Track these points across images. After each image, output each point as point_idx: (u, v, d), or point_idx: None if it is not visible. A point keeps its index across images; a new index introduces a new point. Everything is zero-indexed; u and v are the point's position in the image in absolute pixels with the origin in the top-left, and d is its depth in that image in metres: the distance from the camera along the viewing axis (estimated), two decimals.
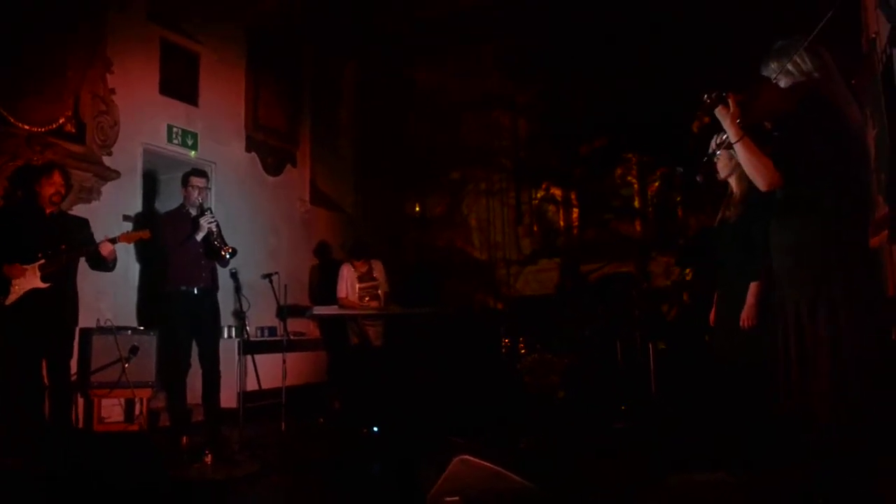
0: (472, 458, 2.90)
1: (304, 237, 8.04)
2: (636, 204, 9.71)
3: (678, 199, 9.45)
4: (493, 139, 10.10)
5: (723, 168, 4.12)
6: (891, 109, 4.55)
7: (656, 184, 9.59)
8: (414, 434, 4.89)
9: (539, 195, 10.09)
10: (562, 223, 10.00)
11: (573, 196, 9.99)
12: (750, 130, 2.88)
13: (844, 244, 2.80)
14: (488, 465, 2.90)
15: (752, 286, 3.85)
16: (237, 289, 5.18)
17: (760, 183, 2.89)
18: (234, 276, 5.19)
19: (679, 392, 5.38)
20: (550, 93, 9.75)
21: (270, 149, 7.59)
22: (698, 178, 4.16)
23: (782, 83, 2.94)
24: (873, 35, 4.91)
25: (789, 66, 2.90)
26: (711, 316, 4.35)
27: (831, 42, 3.02)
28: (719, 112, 2.88)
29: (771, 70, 2.97)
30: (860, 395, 2.77)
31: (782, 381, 2.97)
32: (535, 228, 10.10)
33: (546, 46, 9.23)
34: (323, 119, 8.55)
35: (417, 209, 10.02)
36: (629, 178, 9.78)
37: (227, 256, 5.06)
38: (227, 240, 5.21)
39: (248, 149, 7.32)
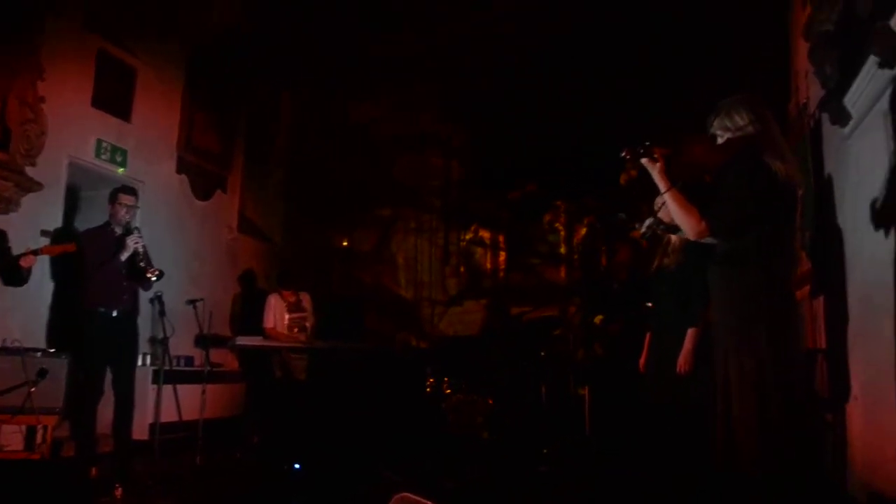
0: (412, 496, 2.82)
1: (230, 265, 7.82)
2: (562, 250, 9.89)
3: (603, 247, 9.69)
4: (425, 179, 10.15)
5: (664, 217, 4.24)
6: (817, 170, 4.79)
7: (583, 231, 9.80)
8: (341, 470, 4.73)
9: (467, 237, 10.16)
10: (489, 265, 10.08)
11: (501, 239, 10.10)
12: (686, 183, 3.00)
13: (771, 295, 2.92)
14: (428, 503, 2.82)
15: (690, 332, 3.94)
16: (161, 313, 4.97)
17: (688, 232, 3.02)
18: (158, 299, 4.98)
19: (605, 436, 5.41)
20: (484, 137, 9.89)
21: (202, 172, 7.39)
22: (621, 216, 4.29)
23: (721, 138, 3.07)
24: (804, 100, 5.17)
25: (726, 122, 3.04)
26: (642, 361, 4.43)
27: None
28: (646, 164, 2.99)
29: (715, 126, 3.10)
30: (781, 438, 2.85)
31: (714, 426, 3.03)
32: (462, 269, 10.14)
33: (482, 92, 9.39)
34: (257, 147, 8.41)
35: (345, 244, 9.91)
36: (557, 224, 9.97)
37: (153, 279, 4.83)
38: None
39: (179, 170, 7.11)
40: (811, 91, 5.07)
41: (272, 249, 8.65)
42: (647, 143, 2.97)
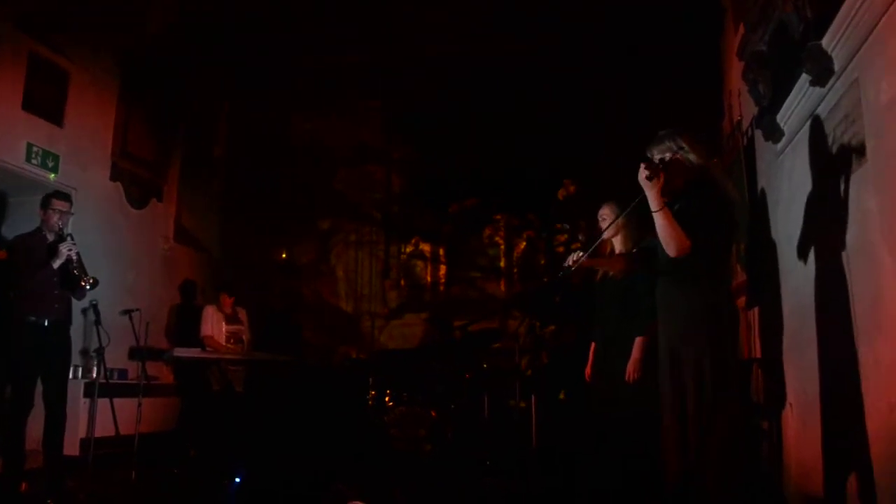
0: None
1: (165, 276, 7.61)
2: (502, 264, 9.97)
3: (542, 261, 9.81)
4: (366, 191, 10.10)
5: (609, 230, 4.33)
6: (751, 185, 4.96)
7: (522, 245, 9.91)
8: (288, 482, 4.64)
9: (408, 250, 10.14)
10: (429, 279, 10.08)
11: (442, 252, 10.12)
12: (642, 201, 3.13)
13: (716, 306, 3.09)
14: None
15: (638, 341, 4.00)
16: (97, 322, 4.79)
17: (672, 250, 3.11)
18: (94, 308, 4.80)
19: (551, 446, 5.43)
20: (425, 150, 9.92)
21: (137, 180, 7.18)
22: (580, 238, 4.34)
23: (667, 158, 3.21)
24: (738, 118, 5.36)
25: (684, 147, 3.20)
26: (587, 371, 4.48)
27: (698, 126, 3.39)
28: (644, 182, 3.10)
29: (661, 150, 3.24)
30: (738, 443, 2.97)
31: (676, 437, 3.11)
32: (403, 283, 10.12)
33: (424, 106, 9.43)
34: (194, 156, 8.23)
35: (284, 256, 9.77)
36: (497, 238, 10.06)
37: (87, 287, 4.66)
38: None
39: (113, 178, 6.88)
40: (744, 109, 5.27)
41: (209, 261, 8.47)
42: (658, 164, 3.13)
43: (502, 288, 9.89)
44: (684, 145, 3.20)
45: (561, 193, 9.81)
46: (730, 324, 3.10)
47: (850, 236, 3.14)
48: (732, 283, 4.93)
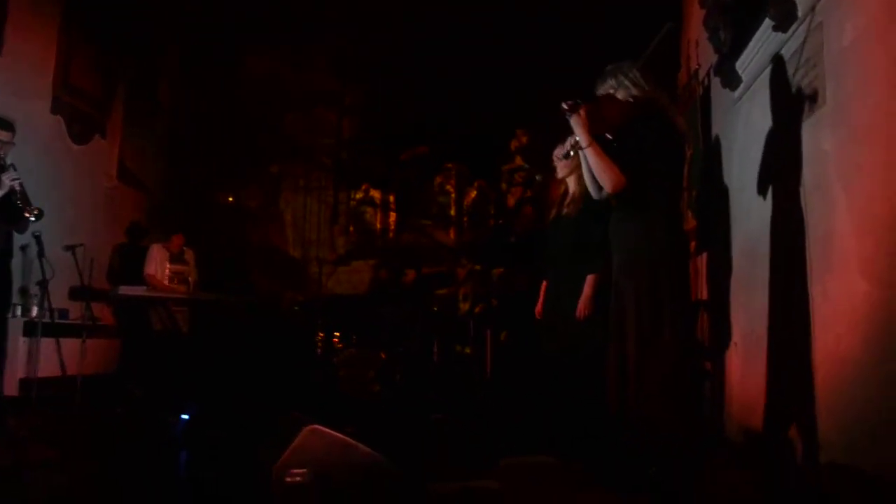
0: (322, 428, 2.77)
1: (108, 215, 7.36)
2: (452, 212, 9.99)
3: (492, 211, 9.85)
4: (316, 136, 9.94)
5: (562, 169, 4.34)
6: (705, 133, 5.03)
7: (473, 194, 9.92)
8: (235, 419, 4.60)
9: (358, 196, 10.07)
10: (378, 226, 10.04)
11: (392, 199, 10.08)
12: (596, 139, 3.13)
13: (672, 238, 3.11)
14: (340, 435, 2.78)
15: (590, 278, 4.04)
16: (40, 253, 4.62)
17: (607, 185, 3.12)
18: (37, 239, 4.64)
19: (502, 386, 5.51)
20: (377, 96, 9.79)
21: (79, 115, 6.87)
22: (537, 178, 4.35)
23: (620, 96, 3.20)
24: (696, 66, 5.40)
25: (625, 82, 3.17)
26: (538, 309, 4.53)
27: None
28: (573, 119, 3.08)
29: (605, 88, 3.23)
30: (683, 382, 3.04)
31: (616, 366, 3.16)
32: (351, 229, 10.06)
33: (376, 50, 9.26)
34: (139, 94, 7.93)
35: (231, 199, 9.58)
36: (447, 186, 10.05)
37: (32, 219, 4.49)
38: None
39: (54, 111, 6.58)
40: (702, 59, 5.32)
41: (153, 202, 8.24)
42: (578, 100, 3.07)
43: (452, 236, 9.92)
44: (628, 78, 3.18)
45: (513, 144, 9.82)
46: (672, 257, 3.05)
47: (806, 177, 3.21)
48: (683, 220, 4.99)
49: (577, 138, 3.12)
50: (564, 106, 3.06)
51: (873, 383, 2.60)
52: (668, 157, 3.13)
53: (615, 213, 3.30)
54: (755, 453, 3.67)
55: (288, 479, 2.68)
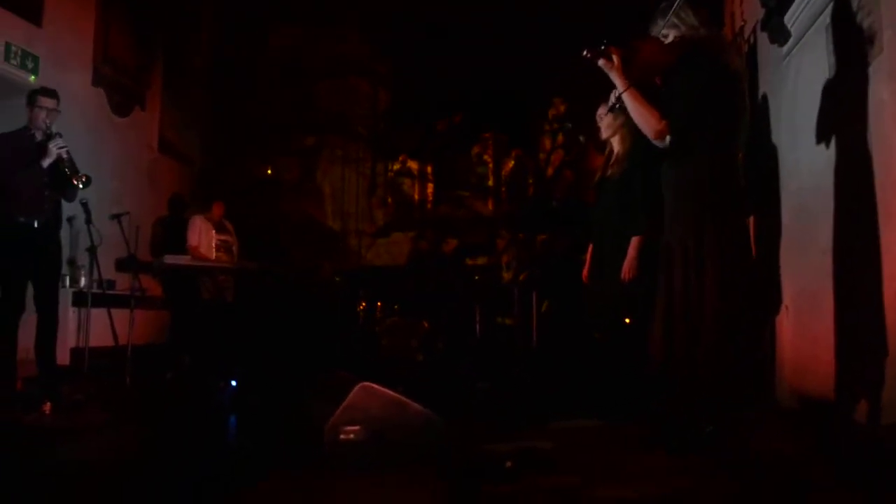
0: (374, 386, 2.78)
1: (150, 186, 7.46)
2: (490, 183, 9.92)
3: (530, 180, 9.76)
4: (351, 106, 9.92)
5: (606, 129, 4.28)
6: (752, 91, 4.90)
7: (511, 164, 9.84)
8: (286, 377, 4.64)
9: (395, 167, 10.05)
10: (416, 197, 10.03)
11: (429, 170, 10.04)
12: (638, 85, 3.00)
13: (725, 184, 2.97)
14: (391, 393, 2.79)
15: (634, 240, 3.99)
16: (87, 220, 4.67)
17: (648, 131, 3.01)
18: (84, 206, 4.69)
19: (551, 351, 5.46)
20: (411, 66, 9.71)
21: (119, 87, 6.96)
22: (581, 139, 4.27)
23: (670, 37, 3.06)
24: (741, 24, 5.26)
25: (674, 20, 3.02)
26: (585, 273, 4.48)
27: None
28: (604, 64, 2.95)
29: (659, 27, 3.08)
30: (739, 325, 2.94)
31: (664, 327, 3.07)
32: (390, 200, 10.06)
33: (409, 19, 9.18)
34: (176, 66, 7.98)
35: (269, 172, 9.62)
36: (485, 157, 9.98)
37: (80, 186, 4.53)
38: None
39: (95, 83, 6.66)
40: (747, 15, 5.17)
41: (193, 173, 8.31)
42: (605, 43, 2.94)
43: (490, 207, 9.87)
44: (677, 16, 2.99)
45: (551, 112, 9.71)
46: (720, 207, 2.90)
47: (865, 127, 3.10)
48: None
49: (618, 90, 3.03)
50: (586, 53, 2.93)
51: None
52: (719, 100, 2.95)
53: (666, 160, 3.16)
54: (811, 417, 3.61)
55: (342, 437, 2.70)
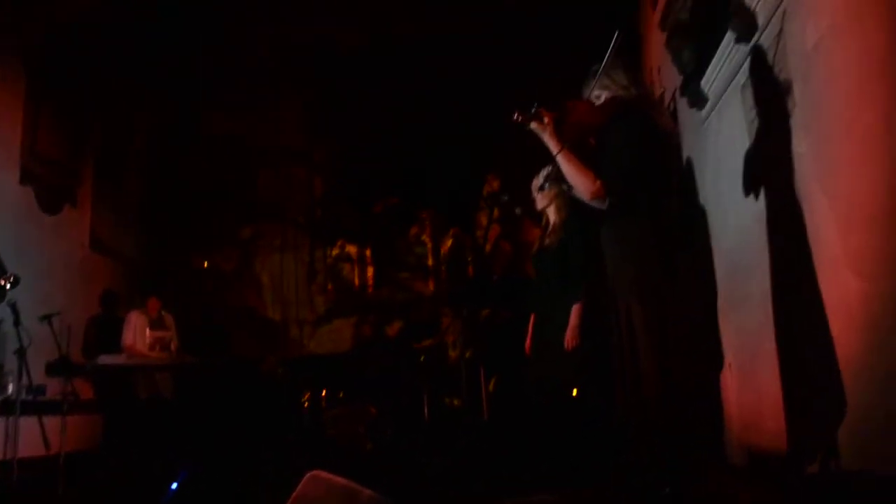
0: (323, 474, 2.68)
1: (82, 285, 7.23)
2: (430, 262, 9.95)
3: (469, 258, 9.82)
4: (288, 195, 9.93)
5: (541, 200, 4.36)
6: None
7: (449, 242, 9.91)
8: (233, 472, 4.43)
9: (334, 253, 10.01)
10: (357, 281, 9.97)
11: (368, 254, 10.03)
12: (572, 146, 3.05)
13: (665, 241, 3.02)
14: (341, 479, 2.69)
15: (575, 308, 4.03)
16: (16, 322, 4.48)
17: (584, 192, 3.03)
18: (12, 307, 4.51)
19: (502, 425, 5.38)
20: (345, 151, 9.83)
21: (48, 184, 6.80)
22: (517, 211, 4.34)
23: (602, 98, 3.15)
24: (661, 89, 5.50)
25: (605, 81, 3.10)
26: (527, 344, 4.48)
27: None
28: (536, 127, 3.00)
29: (591, 88, 3.14)
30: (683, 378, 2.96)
31: (619, 380, 3.08)
32: (330, 287, 9.97)
33: (342, 105, 9.35)
34: (109, 159, 7.88)
35: (206, 264, 9.46)
36: (423, 237, 10.04)
37: (7, 286, 4.38)
38: None
39: (23, 181, 6.50)
40: (665, 81, 5.41)
41: (128, 269, 8.11)
42: (536, 106, 2.99)
43: (431, 287, 9.87)
44: (608, 77, 3.07)
45: (485, 189, 9.87)
46: (659, 262, 2.93)
47: (785, 181, 3.21)
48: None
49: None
50: (517, 117, 2.97)
51: (874, 381, 2.56)
52: (652, 158, 3.01)
53: (604, 222, 3.17)
54: (763, 470, 3.61)
55: None
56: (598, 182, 2.97)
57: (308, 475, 2.65)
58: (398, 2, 8.08)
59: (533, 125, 3.00)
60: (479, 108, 8.62)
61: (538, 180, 4.30)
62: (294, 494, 2.62)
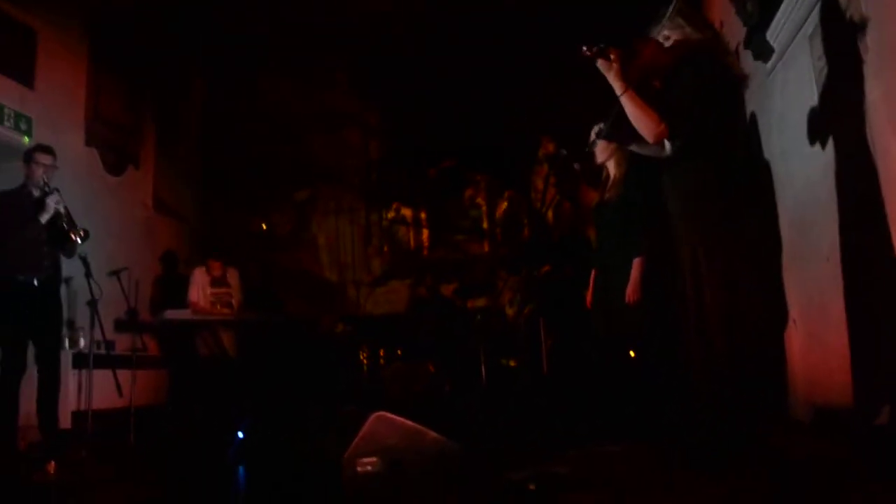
0: (389, 415, 2.73)
1: (147, 244, 7.43)
2: (484, 225, 9.95)
3: (525, 220, 9.79)
4: (343, 158, 9.98)
5: (600, 153, 4.31)
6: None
7: (504, 205, 9.88)
8: (296, 416, 4.55)
9: (389, 215, 10.07)
10: (412, 243, 10.03)
11: (423, 216, 10.06)
12: (637, 87, 2.97)
13: (731, 187, 2.95)
14: (407, 421, 2.74)
15: (636, 262, 4.00)
16: (87, 274, 4.63)
17: (647, 134, 2.95)
18: (83, 260, 4.66)
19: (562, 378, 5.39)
20: (399, 114, 9.82)
21: (112, 146, 6.98)
22: (576, 166, 4.29)
23: (671, 40, 3.06)
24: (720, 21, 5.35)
25: (679, 21, 3.02)
26: (588, 298, 4.46)
27: None
28: (602, 65, 2.92)
29: (659, 29, 3.05)
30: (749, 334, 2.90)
31: (684, 329, 3.05)
32: (385, 249, 10.05)
33: (396, 69, 9.31)
34: (168, 123, 8.04)
35: (264, 227, 9.62)
36: (478, 199, 10.02)
37: (78, 241, 4.52)
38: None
39: (88, 142, 6.67)
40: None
41: (188, 230, 8.30)
42: (603, 45, 2.92)
43: (486, 249, 9.88)
44: (680, 18, 3.00)
45: (540, 152, 9.79)
46: (728, 207, 2.86)
47: (858, 130, 3.11)
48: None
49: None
50: (586, 51, 2.89)
51: None
52: (720, 103, 2.93)
53: (669, 167, 3.13)
54: (831, 425, 3.55)
55: (359, 469, 2.64)
56: (663, 125, 2.88)
57: (374, 415, 2.70)
58: None
59: (599, 63, 2.93)
60: (532, 70, 8.54)
61: (595, 132, 4.24)
62: (360, 433, 2.68)
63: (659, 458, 3.08)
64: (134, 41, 7.29)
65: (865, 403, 3.15)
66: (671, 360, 3.60)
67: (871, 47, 2.97)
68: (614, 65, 2.89)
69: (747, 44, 4.59)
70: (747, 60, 4.77)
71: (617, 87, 2.91)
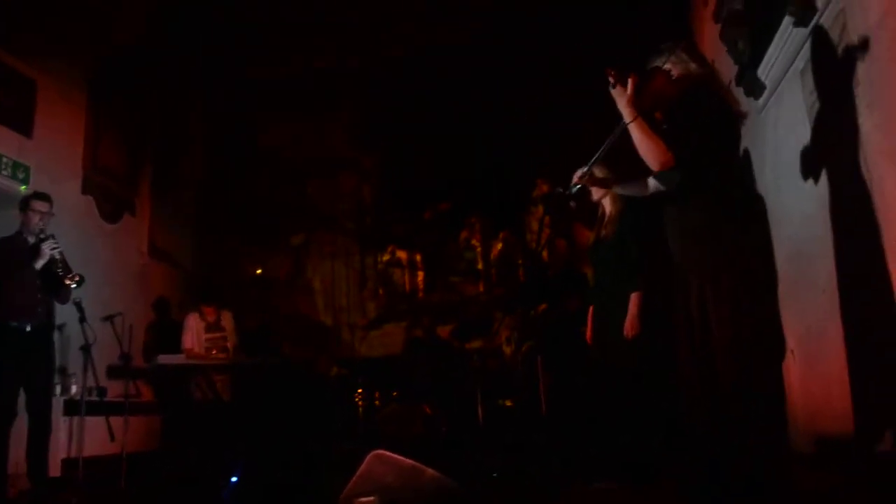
0: (386, 454, 2.70)
1: (141, 290, 7.40)
2: (479, 266, 9.95)
3: (519, 261, 9.80)
4: (338, 202, 10.03)
5: (596, 191, 4.32)
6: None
7: (499, 246, 9.90)
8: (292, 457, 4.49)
9: (385, 258, 10.07)
10: (407, 286, 10.01)
11: (419, 259, 10.07)
12: (642, 115, 3.01)
13: (736, 222, 2.98)
14: (404, 459, 2.70)
15: (634, 297, 4.01)
16: (81, 319, 4.61)
17: (653, 162, 2.95)
18: (78, 306, 4.63)
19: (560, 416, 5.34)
20: (394, 158, 9.90)
21: (109, 194, 6.99)
22: (571, 204, 4.31)
23: (673, 73, 3.10)
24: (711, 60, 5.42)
25: (682, 56, 3.08)
26: (588, 334, 4.46)
27: None
28: (616, 92, 2.95)
29: (661, 61, 3.10)
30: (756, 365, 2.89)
31: (687, 367, 3.02)
32: (381, 292, 10.03)
33: (391, 114, 9.43)
34: (165, 170, 8.08)
35: (259, 272, 9.61)
36: (473, 241, 10.04)
37: (73, 286, 4.50)
38: None
39: (85, 191, 6.69)
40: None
41: (184, 276, 8.29)
42: (624, 70, 2.96)
43: (481, 290, 9.86)
44: (685, 53, 3.07)
45: (535, 193, 9.85)
46: (733, 243, 2.88)
47: (851, 162, 3.14)
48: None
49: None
50: (610, 76, 2.91)
51: None
52: (722, 137, 2.98)
53: (669, 202, 3.12)
54: (832, 455, 3.52)
55: None
56: (669, 153, 2.89)
57: (371, 454, 2.67)
58: (441, 13, 8.15)
59: (614, 90, 2.94)
60: (526, 112, 8.65)
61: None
62: (358, 472, 2.64)
63: (657, 496, 3.04)
64: (132, 91, 7.38)
65: (866, 430, 3.13)
66: (669, 395, 3.57)
67: (862, 80, 3.01)
68: (629, 91, 2.91)
69: (739, 81, 4.66)
70: (739, 97, 4.85)
71: (627, 114, 2.93)
